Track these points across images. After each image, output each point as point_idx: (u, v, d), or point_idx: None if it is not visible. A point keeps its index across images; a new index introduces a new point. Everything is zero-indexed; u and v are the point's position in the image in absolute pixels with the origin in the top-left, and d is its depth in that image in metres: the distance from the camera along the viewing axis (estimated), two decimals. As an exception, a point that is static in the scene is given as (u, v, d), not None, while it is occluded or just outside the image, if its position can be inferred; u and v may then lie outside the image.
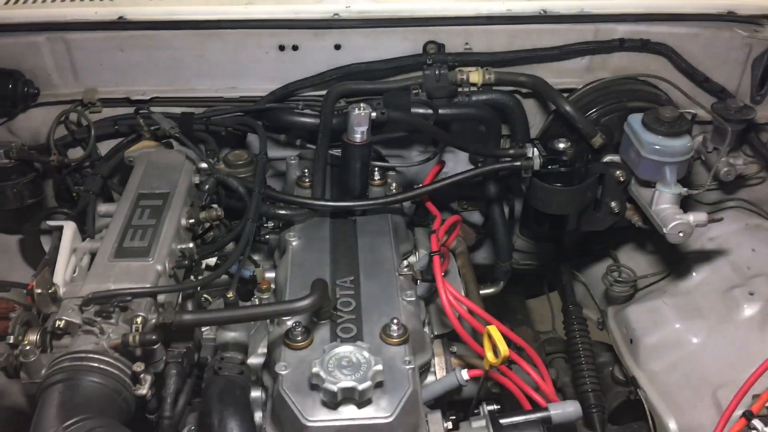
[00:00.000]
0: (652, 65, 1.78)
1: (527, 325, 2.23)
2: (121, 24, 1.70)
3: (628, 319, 1.77)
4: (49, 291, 1.23)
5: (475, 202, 1.99)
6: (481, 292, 1.75)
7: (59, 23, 1.70)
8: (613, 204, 1.68)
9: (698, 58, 1.76)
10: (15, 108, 1.76)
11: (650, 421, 1.62)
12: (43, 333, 1.19)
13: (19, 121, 1.79)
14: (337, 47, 1.74)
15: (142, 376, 1.15)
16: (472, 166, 1.77)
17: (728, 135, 1.63)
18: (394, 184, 1.64)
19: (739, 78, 1.78)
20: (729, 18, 1.74)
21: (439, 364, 1.40)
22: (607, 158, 1.70)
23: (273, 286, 1.44)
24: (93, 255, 1.37)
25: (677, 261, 1.82)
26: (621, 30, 1.75)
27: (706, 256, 1.76)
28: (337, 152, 1.63)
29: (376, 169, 1.64)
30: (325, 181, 1.59)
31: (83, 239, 1.44)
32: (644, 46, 1.75)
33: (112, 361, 1.12)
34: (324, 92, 1.73)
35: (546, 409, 1.18)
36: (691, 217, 1.52)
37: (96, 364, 1.10)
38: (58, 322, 1.17)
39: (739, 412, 1.32)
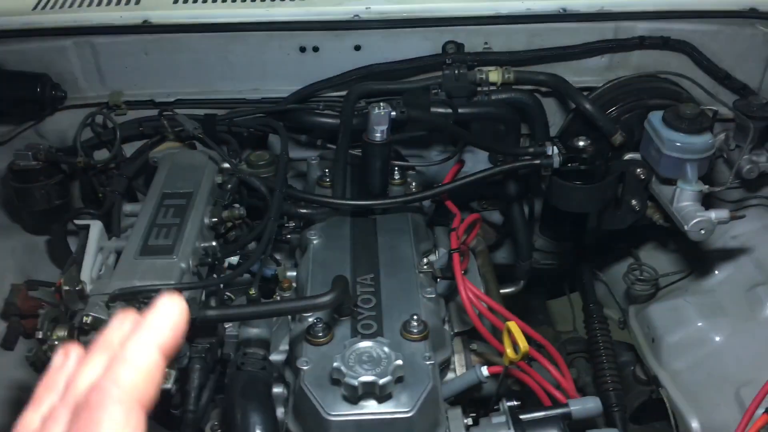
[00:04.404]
0: (672, 63, 1.77)
1: (548, 324, 2.22)
2: (145, 27, 1.73)
3: (650, 318, 1.76)
4: (77, 288, 1.26)
5: (494, 201, 1.99)
6: (501, 291, 1.75)
7: (86, 27, 1.74)
8: (633, 202, 1.68)
9: (719, 55, 1.75)
10: (43, 111, 1.80)
11: (672, 421, 1.62)
12: (70, 329, 1.21)
13: (46, 123, 1.83)
14: (357, 48, 1.75)
15: (166, 370, 1.16)
16: (492, 165, 1.78)
17: (750, 132, 1.61)
18: (413, 183, 1.65)
19: (762, 75, 1.77)
20: (751, 15, 1.72)
21: (458, 362, 1.41)
22: (628, 156, 1.69)
23: (294, 284, 1.46)
24: (119, 253, 1.39)
25: (699, 259, 1.81)
26: (641, 28, 1.74)
27: (729, 254, 1.75)
28: (357, 152, 1.65)
29: (396, 168, 1.65)
30: (345, 181, 1.60)
31: (109, 238, 1.47)
32: (665, 43, 1.74)
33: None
34: (344, 93, 1.74)
35: (566, 405, 1.18)
36: (713, 215, 1.51)
37: (122, 359, 1.12)
38: (85, 318, 1.19)
39: (761, 410, 1.31)
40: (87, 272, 1.34)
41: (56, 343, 1.15)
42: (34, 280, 1.73)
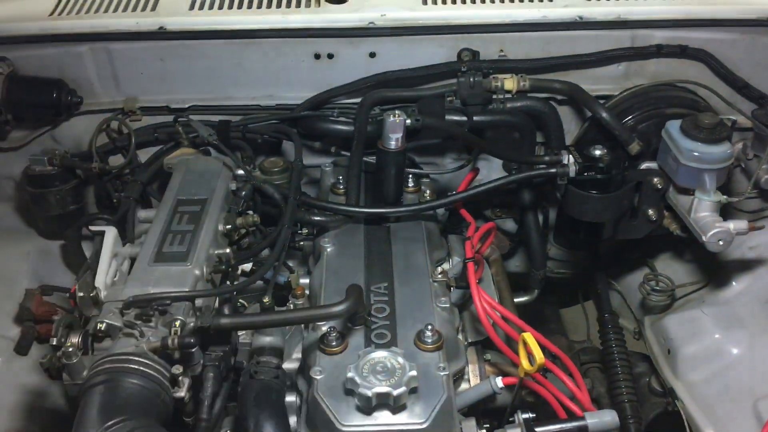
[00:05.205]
0: (690, 71, 1.75)
1: (561, 334, 2.20)
2: (161, 34, 1.74)
3: (666, 329, 1.74)
4: (91, 294, 1.26)
5: (509, 209, 1.98)
6: (515, 300, 1.73)
7: (102, 33, 1.75)
8: (650, 212, 1.66)
9: (737, 64, 1.74)
10: (59, 116, 1.81)
11: (689, 433, 1.60)
12: (84, 335, 1.21)
13: (62, 129, 1.84)
14: (372, 55, 1.75)
15: (180, 378, 1.17)
16: (506, 174, 1.77)
17: (769, 142, 1.60)
18: (428, 191, 1.64)
19: (781, 84, 1.75)
20: (769, 23, 1.71)
21: (473, 372, 1.40)
22: (645, 165, 1.68)
23: (307, 292, 1.45)
24: (133, 260, 1.39)
25: (716, 270, 1.78)
26: (658, 36, 1.73)
27: (747, 265, 1.73)
28: (371, 159, 1.65)
29: (410, 176, 1.65)
30: (359, 188, 1.60)
31: (123, 244, 1.47)
32: (682, 52, 1.73)
33: (151, 363, 1.14)
34: (359, 100, 1.74)
35: (582, 418, 1.17)
36: (731, 225, 1.50)
37: (136, 366, 1.12)
38: (99, 325, 1.19)
39: (781, 424, 1.29)
40: (101, 278, 1.34)
41: (70, 349, 1.15)
42: (49, 285, 1.74)
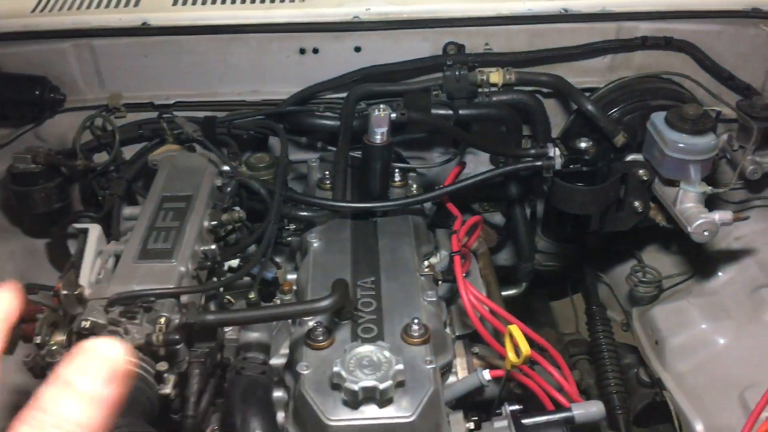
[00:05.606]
0: (675, 63, 1.76)
1: (550, 326, 2.21)
2: (144, 30, 1.72)
3: (654, 320, 1.75)
4: (75, 292, 1.25)
5: (496, 203, 1.98)
6: (503, 293, 1.74)
7: (84, 30, 1.73)
8: (636, 203, 1.67)
9: (722, 55, 1.74)
10: (42, 114, 1.80)
11: (676, 423, 1.60)
12: (69, 333, 1.21)
13: (46, 126, 1.82)
14: (357, 50, 1.75)
15: (165, 375, 1.16)
16: (493, 167, 1.77)
17: (754, 133, 1.60)
18: (414, 186, 1.64)
19: (765, 75, 1.76)
20: (754, 14, 1.71)
21: (460, 365, 1.40)
22: (630, 157, 1.68)
23: (295, 287, 1.45)
24: (118, 257, 1.38)
25: (703, 261, 1.79)
26: (643, 28, 1.73)
27: (732, 255, 1.74)
28: (358, 154, 1.64)
29: (397, 170, 1.64)
30: (345, 183, 1.59)
31: (108, 242, 1.46)
32: (667, 43, 1.73)
33: (136, 360, 1.13)
34: (344, 94, 1.73)
35: (569, 409, 1.17)
36: (717, 216, 1.50)
37: (121, 364, 1.11)
38: (83, 323, 1.19)
39: (766, 413, 1.30)
40: (86, 276, 1.33)
41: (54, 348, 1.14)
42: (34, 284, 1.72)
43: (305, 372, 1.14)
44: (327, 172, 1.65)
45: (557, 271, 2.14)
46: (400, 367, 1.07)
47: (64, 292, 1.23)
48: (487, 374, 1.25)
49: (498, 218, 2.01)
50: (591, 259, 2.04)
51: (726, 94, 1.75)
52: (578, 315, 2.18)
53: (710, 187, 1.56)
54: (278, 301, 1.42)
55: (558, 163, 1.56)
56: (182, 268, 1.32)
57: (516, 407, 1.19)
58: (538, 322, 2.23)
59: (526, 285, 1.93)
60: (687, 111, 1.54)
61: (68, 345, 1.19)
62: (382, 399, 1.07)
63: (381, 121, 1.46)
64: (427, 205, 1.64)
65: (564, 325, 2.34)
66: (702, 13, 1.73)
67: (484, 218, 1.85)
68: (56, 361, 1.14)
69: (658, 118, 1.58)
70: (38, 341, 1.19)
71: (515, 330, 1.17)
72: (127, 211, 1.57)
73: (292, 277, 1.48)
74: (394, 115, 1.49)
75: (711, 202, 1.66)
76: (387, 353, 1.10)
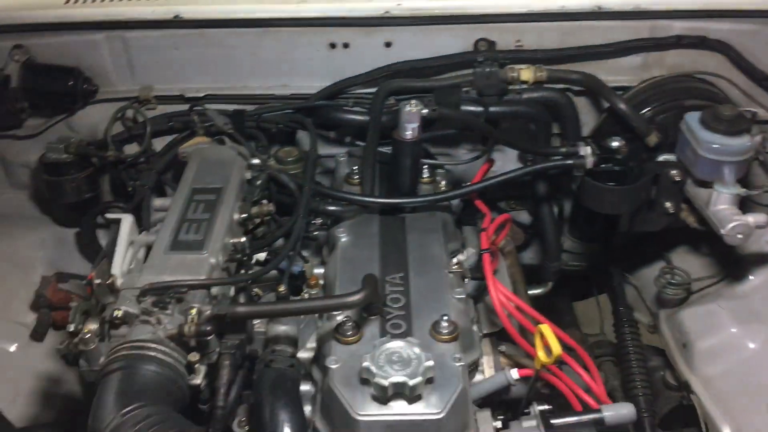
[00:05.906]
0: (709, 63, 1.73)
1: (575, 327, 2.19)
2: (176, 22, 1.74)
3: (682, 323, 1.73)
4: (108, 282, 1.26)
5: (523, 201, 1.97)
6: (529, 292, 1.73)
7: (118, 22, 1.75)
8: (667, 204, 1.64)
9: (758, 55, 1.71)
10: (75, 104, 1.82)
11: (704, 428, 1.58)
12: (101, 322, 1.22)
13: (78, 117, 1.84)
14: (388, 45, 1.74)
15: (196, 366, 1.17)
16: (522, 165, 1.76)
17: (789, 135, 1.58)
18: (443, 182, 1.64)
19: (802, 76, 1.73)
20: (791, 14, 1.69)
21: (487, 363, 1.39)
22: (663, 157, 1.66)
23: (321, 282, 1.45)
24: (149, 247, 1.40)
25: (734, 264, 1.76)
26: (678, 27, 1.71)
27: (764, 258, 1.70)
28: (386, 149, 1.64)
29: (425, 166, 1.64)
30: (374, 178, 1.59)
31: (139, 232, 1.47)
32: (702, 43, 1.70)
33: (168, 350, 1.14)
34: (374, 90, 1.73)
35: (599, 410, 1.16)
36: (751, 219, 1.48)
37: (153, 354, 1.12)
38: (116, 312, 1.20)
39: (799, 420, 1.28)
40: (118, 266, 1.34)
41: (87, 336, 1.15)
42: (64, 273, 1.75)
43: (334, 366, 1.14)
44: (355, 168, 1.64)
45: (583, 270, 2.12)
46: (430, 363, 1.07)
47: (97, 281, 1.24)
48: (514, 373, 1.25)
49: (524, 216, 1.99)
50: (618, 260, 2.02)
51: (761, 95, 1.72)
52: (603, 316, 2.16)
53: (744, 189, 1.53)
54: (306, 296, 1.42)
55: (589, 162, 1.54)
56: (213, 260, 1.32)
57: (545, 407, 1.18)
58: (562, 321, 2.21)
59: (552, 284, 1.91)
60: (722, 111, 1.52)
61: (101, 334, 1.20)
62: (412, 395, 1.07)
63: (412, 116, 1.46)
64: (455, 201, 1.64)
65: (586, 326, 2.32)
66: (737, 12, 1.70)
67: (511, 216, 1.84)
68: (89, 349, 1.15)
69: (692, 118, 1.56)
70: (71, 329, 1.19)
71: (546, 329, 1.17)
72: (157, 202, 1.58)
73: (319, 271, 1.48)
74: (424, 111, 1.48)
75: (742, 205, 1.63)
76: (417, 350, 1.10)
